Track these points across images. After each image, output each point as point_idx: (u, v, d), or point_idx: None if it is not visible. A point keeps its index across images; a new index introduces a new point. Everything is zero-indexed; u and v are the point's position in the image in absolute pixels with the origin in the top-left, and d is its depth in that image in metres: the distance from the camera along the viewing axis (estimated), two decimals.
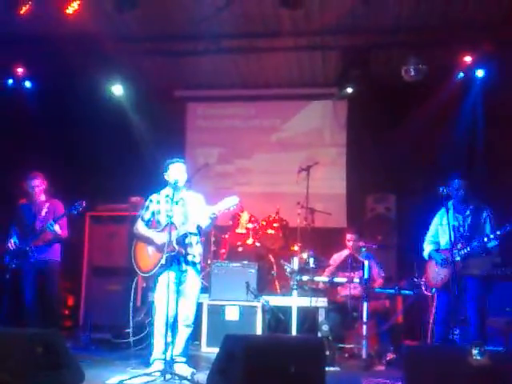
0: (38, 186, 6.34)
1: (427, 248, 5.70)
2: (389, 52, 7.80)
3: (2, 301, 6.10)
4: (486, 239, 5.17)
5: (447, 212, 5.31)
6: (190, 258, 5.22)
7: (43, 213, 6.26)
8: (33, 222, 6.23)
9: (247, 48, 7.82)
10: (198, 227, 5.22)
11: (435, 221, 5.67)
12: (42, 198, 6.38)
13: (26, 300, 6.11)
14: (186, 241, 5.19)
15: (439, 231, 5.60)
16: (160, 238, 5.15)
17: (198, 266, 5.32)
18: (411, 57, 7.24)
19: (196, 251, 5.29)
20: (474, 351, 3.73)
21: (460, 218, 5.43)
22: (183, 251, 5.14)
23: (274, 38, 7.44)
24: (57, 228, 6.13)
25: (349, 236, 6.92)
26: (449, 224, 5.17)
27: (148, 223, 5.36)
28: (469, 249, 5.24)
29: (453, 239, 5.13)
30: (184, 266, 5.18)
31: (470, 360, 3.71)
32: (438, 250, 5.57)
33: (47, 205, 6.31)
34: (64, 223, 6.28)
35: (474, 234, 5.32)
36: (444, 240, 5.49)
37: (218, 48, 7.56)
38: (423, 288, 5.67)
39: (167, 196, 5.24)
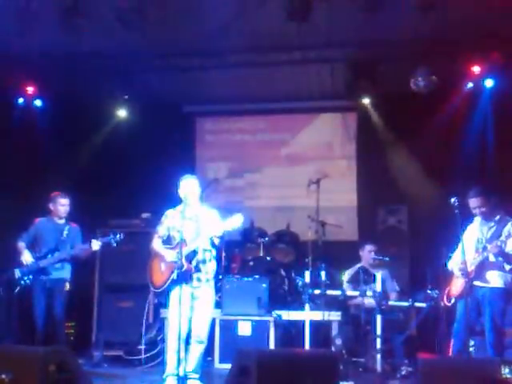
0: (66, 205, 6.31)
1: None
2: (397, 63, 7.75)
3: (11, 316, 6.08)
4: (499, 243, 5.06)
5: (479, 223, 5.33)
6: (202, 274, 5.21)
7: (64, 235, 6.22)
8: (55, 242, 6.17)
9: (255, 62, 7.82)
10: (213, 243, 5.22)
11: (465, 232, 5.57)
12: (63, 220, 6.33)
13: (35, 317, 6.03)
14: (199, 257, 5.18)
15: (465, 243, 5.48)
16: (170, 254, 5.17)
17: (211, 283, 5.31)
18: (420, 68, 7.22)
19: (209, 267, 5.28)
20: (505, 369, 3.65)
21: (485, 230, 5.37)
22: (192, 268, 5.13)
23: (282, 51, 7.45)
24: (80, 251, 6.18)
25: (369, 247, 6.87)
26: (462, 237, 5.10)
27: (163, 238, 5.38)
28: (481, 257, 5.17)
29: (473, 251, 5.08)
30: (196, 283, 5.16)
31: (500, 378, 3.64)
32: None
33: (67, 227, 6.28)
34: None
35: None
36: (467, 251, 5.41)
37: (225, 63, 7.59)
38: (445, 298, 5.58)
39: (181, 212, 5.24)
